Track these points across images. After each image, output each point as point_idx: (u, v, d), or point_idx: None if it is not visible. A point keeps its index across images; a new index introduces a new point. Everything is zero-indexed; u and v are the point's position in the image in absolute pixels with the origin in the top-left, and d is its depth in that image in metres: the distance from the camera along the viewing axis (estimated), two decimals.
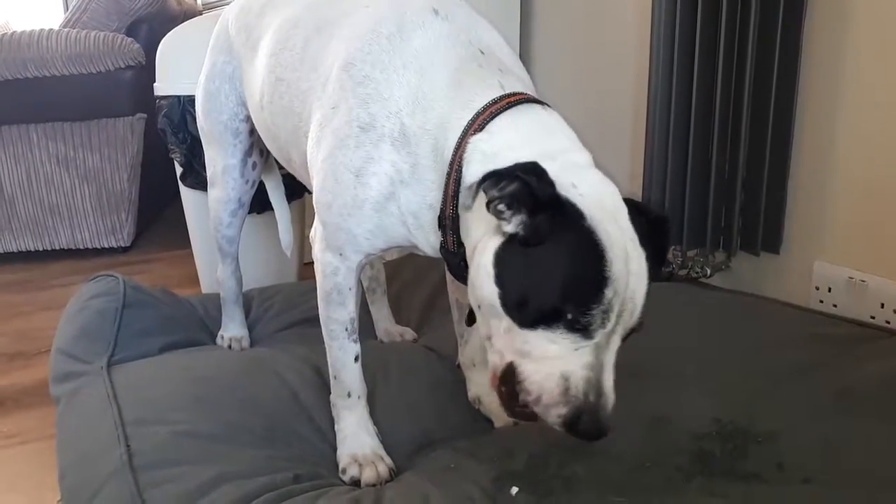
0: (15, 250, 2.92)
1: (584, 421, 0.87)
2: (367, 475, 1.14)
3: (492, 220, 0.91)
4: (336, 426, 1.23)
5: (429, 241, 1.08)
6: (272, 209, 1.80)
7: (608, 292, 0.84)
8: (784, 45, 1.68)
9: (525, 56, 2.56)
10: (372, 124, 1.04)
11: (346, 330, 1.19)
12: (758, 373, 1.34)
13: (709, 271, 1.93)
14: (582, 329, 0.86)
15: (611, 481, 1.06)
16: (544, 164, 0.89)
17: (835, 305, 1.72)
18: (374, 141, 1.04)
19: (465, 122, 0.99)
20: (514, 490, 1.04)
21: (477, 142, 0.97)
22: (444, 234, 1.03)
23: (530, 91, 1.05)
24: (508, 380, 0.92)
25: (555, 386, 0.87)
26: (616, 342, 0.89)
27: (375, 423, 1.24)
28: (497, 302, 0.90)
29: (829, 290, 1.73)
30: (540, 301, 0.87)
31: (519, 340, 0.89)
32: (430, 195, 1.03)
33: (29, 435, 1.65)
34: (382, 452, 1.19)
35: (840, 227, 1.72)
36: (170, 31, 2.17)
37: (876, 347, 1.40)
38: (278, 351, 1.54)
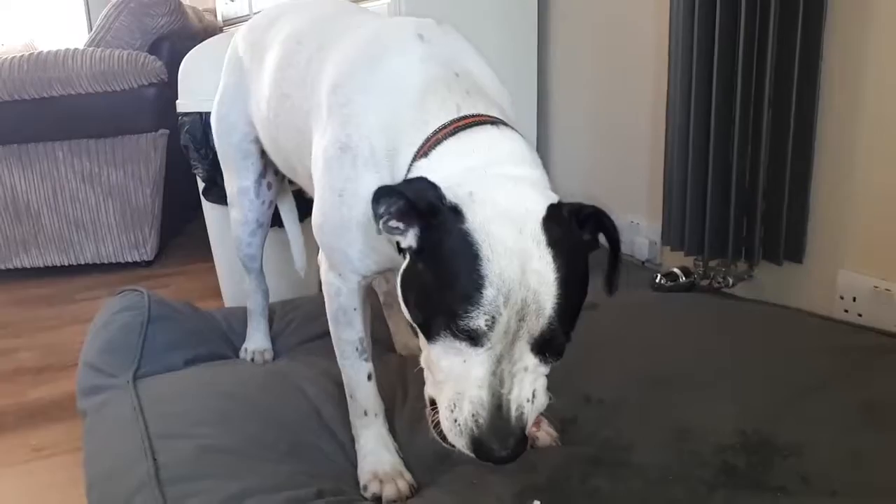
0: (41, 265, 2.98)
1: (485, 447, 0.81)
2: (388, 491, 1.14)
3: None
4: (356, 444, 1.23)
5: None
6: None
7: (488, 293, 0.79)
8: (804, 51, 1.67)
9: (542, 67, 2.57)
10: (349, 145, 1.06)
11: (357, 350, 1.20)
12: (782, 384, 1.32)
13: (731, 281, 1.91)
14: (469, 336, 0.81)
15: (634, 495, 1.06)
16: (462, 177, 0.88)
17: (860, 315, 1.69)
18: (351, 161, 1.05)
19: (415, 148, 0.99)
20: None
21: (416, 169, 0.97)
22: None
23: (499, 113, 1.02)
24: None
25: (447, 422, 0.84)
26: (523, 351, 0.83)
27: (395, 438, 1.25)
28: (413, 323, 0.89)
29: (854, 299, 1.71)
30: (426, 310, 0.85)
31: (431, 363, 0.87)
32: None
33: (56, 448, 1.67)
34: (403, 468, 1.19)
35: (864, 235, 1.70)
36: (191, 48, 2.20)
37: None
38: (300, 364, 1.56)
